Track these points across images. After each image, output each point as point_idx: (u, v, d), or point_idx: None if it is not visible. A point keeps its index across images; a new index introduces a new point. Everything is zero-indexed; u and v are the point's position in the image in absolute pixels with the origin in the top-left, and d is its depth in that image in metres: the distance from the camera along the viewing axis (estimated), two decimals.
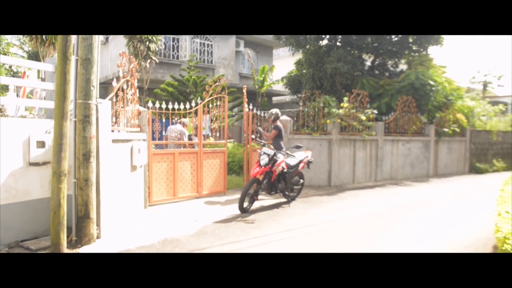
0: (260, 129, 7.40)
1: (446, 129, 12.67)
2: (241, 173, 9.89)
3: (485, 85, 23.24)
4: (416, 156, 12.28)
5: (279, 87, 18.57)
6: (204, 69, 17.03)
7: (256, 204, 6.96)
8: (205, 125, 8.42)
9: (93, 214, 4.60)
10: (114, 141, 5.08)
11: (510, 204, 4.07)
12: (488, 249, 4.75)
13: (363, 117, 10.01)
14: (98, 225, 4.76)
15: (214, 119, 8.29)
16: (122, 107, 5.46)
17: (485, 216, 6.71)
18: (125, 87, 5.55)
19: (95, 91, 4.58)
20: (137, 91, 6.16)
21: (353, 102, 10.19)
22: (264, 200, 7.53)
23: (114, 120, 5.27)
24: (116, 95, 5.30)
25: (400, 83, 11.76)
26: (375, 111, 10.68)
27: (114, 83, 5.24)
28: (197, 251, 4.49)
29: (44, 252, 4.21)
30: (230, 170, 10.87)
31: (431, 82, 11.54)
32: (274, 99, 21.37)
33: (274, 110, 7.83)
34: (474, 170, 14.11)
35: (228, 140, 8.81)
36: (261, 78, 16.02)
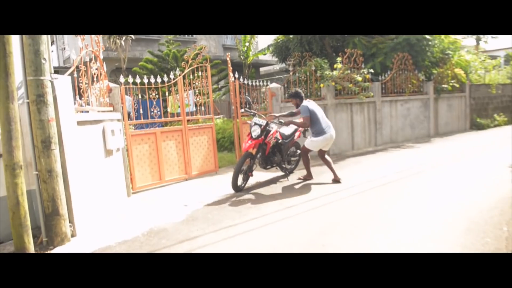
0: (249, 98, 6.69)
1: (445, 86, 12.01)
2: (233, 149, 9.25)
3: (478, 39, 22.43)
4: (415, 116, 11.69)
5: (266, 57, 17.66)
6: (185, 42, 16.05)
7: (251, 181, 6.36)
8: (189, 101, 7.68)
9: (63, 210, 3.95)
10: (79, 123, 4.35)
11: None
12: None
13: (359, 78, 9.31)
14: (71, 221, 4.12)
15: (199, 93, 7.56)
16: (86, 84, 4.70)
17: (500, 173, 6.19)
18: (87, 59, 4.77)
19: (47, 64, 3.83)
20: (104, 64, 5.38)
21: (346, 62, 9.46)
22: (259, 175, 6.92)
23: (78, 99, 4.54)
24: (78, 69, 4.53)
25: (394, 40, 11.01)
26: (371, 70, 9.99)
27: (72, 55, 4.46)
28: (186, 241, 3.90)
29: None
30: (221, 147, 10.23)
31: (427, 37, 10.82)
32: (262, 69, 20.52)
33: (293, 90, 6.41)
34: (476, 126, 13.58)
35: (217, 116, 8.10)
36: (245, 48, 15.13)
